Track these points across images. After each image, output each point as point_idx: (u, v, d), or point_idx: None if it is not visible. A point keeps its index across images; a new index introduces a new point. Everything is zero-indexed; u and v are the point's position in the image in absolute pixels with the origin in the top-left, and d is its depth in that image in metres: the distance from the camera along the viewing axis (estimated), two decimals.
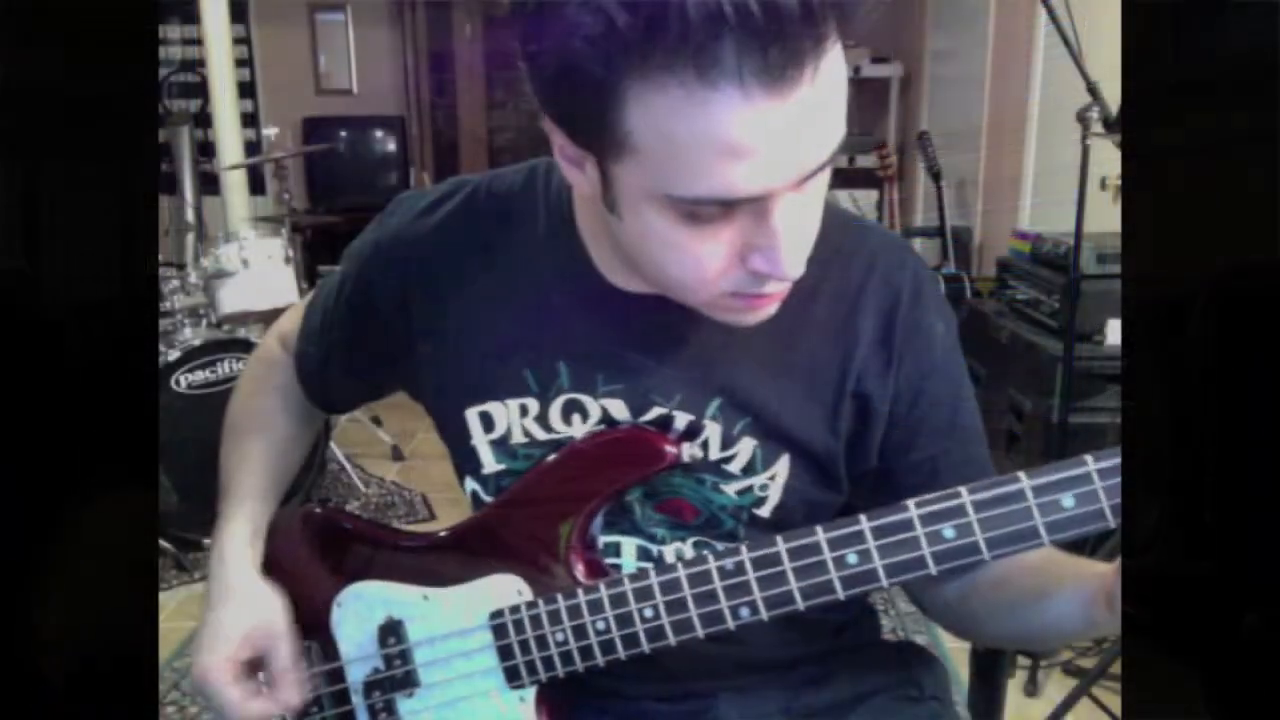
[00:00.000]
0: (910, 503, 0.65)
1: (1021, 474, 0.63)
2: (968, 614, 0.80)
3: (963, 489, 0.64)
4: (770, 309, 0.67)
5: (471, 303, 0.78)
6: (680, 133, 0.54)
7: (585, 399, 0.76)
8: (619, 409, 0.75)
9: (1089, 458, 0.60)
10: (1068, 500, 0.61)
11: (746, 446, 0.75)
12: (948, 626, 0.84)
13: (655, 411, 0.75)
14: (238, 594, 0.83)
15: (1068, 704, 1.72)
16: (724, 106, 0.53)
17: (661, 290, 0.69)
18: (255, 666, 0.82)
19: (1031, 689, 1.95)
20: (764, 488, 0.76)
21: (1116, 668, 1.78)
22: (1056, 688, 1.95)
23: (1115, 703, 1.80)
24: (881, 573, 0.66)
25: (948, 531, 0.64)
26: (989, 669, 0.97)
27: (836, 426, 0.75)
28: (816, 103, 0.55)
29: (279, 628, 0.82)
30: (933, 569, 0.65)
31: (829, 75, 0.55)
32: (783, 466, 0.75)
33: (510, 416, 0.77)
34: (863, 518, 0.66)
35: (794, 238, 0.60)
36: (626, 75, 0.53)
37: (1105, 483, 0.60)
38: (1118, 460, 0.60)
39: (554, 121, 0.61)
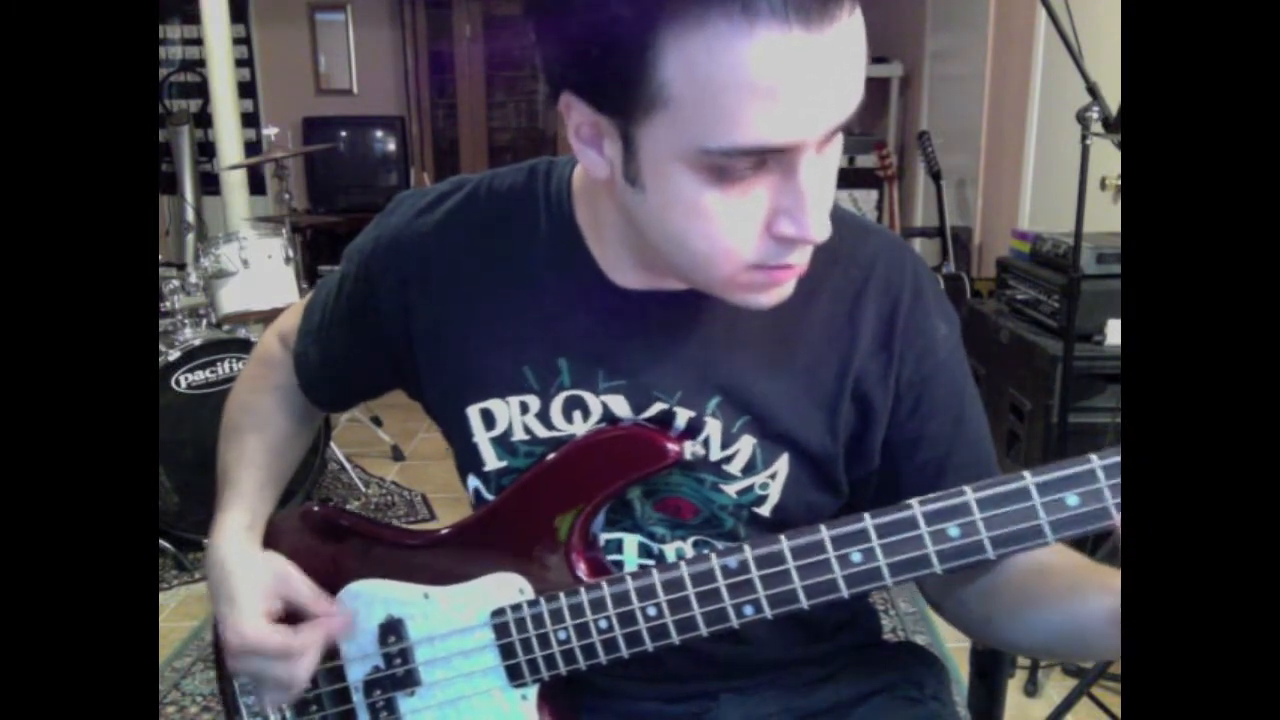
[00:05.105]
0: (914, 501, 0.65)
1: (1026, 473, 0.63)
2: (989, 615, 0.76)
3: (967, 488, 0.64)
4: (788, 287, 0.67)
5: (472, 300, 0.78)
6: (717, 73, 0.55)
7: (586, 395, 0.76)
8: (620, 405, 0.75)
9: (1093, 456, 0.61)
10: (1072, 499, 0.62)
11: (746, 445, 0.75)
12: (967, 629, 0.82)
13: (657, 407, 0.75)
14: (242, 565, 0.84)
15: (1068, 704, 1.72)
16: (762, 40, 0.54)
17: (679, 275, 0.69)
18: (282, 620, 0.83)
19: (1031, 689, 1.95)
20: (764, 486, 0.76)
21: (1116, 668, 1.79)
22: (1056, 688, 1.95)
23: (1115, 703, 1.80)
24: (886, 571, 0.65)
25: (952, 530, 0.64)
26: (989, 669, 0.97)
27: (835, 428, 0.75)
28: (845, 46, 0.56)
29: (290, 571, 0.83)
30: (937, 568, 0.65)
31: (856, 24, 0.57)
32: (782, 466, 0.75)
33: (511, 413, 0.77)
34: (866, 516, 0.66)
35: (818, 199, 0.61)
36: (667, 14, 0.54)
37: (1109, 481, 0.61)
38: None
39: (575, 92, 0.61)
